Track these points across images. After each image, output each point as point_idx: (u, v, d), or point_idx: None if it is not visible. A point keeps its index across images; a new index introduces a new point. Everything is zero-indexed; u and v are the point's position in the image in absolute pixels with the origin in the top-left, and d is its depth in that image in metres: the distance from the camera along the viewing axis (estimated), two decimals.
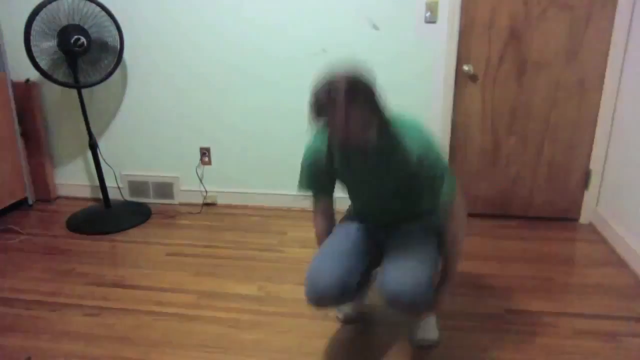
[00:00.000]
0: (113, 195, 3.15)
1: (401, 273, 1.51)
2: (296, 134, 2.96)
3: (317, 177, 1.70)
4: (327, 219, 1.78)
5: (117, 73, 2.92)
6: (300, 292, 2.16)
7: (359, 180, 1.67)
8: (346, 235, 1.71)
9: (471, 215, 2.93)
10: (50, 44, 2.58)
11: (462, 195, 1.65)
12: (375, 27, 2.69)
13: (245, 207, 3.13)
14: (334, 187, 1.75)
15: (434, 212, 1.75)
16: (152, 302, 2.10)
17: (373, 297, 2.04)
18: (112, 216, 2.90)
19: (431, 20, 2.64)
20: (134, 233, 2.76)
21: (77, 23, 2.60)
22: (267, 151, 3.02)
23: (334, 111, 1.31)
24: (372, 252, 1.72)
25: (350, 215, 1.85)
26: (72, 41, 2.56)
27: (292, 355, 1.77)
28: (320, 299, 1.56)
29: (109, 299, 2.12)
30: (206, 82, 2.92)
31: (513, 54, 2.65)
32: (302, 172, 1.71)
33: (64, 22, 2.57)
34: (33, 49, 2.53)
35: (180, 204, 3.18)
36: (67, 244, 2.63)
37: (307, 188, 1.74)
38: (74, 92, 2.93)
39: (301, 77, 2.84)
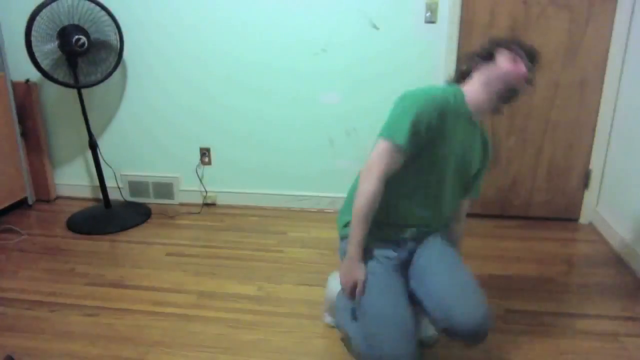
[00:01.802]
0: (113, 195, 3.15)
1: (466, 306, 1.36)
2: (296, 133, 2.96)
3: (419, 131, 1.42)
4: (384, 184, 1.46)
5: (117, 73, 2.92)
6: (299, 293, 2.16)
7: (449, 154, 1.50)
8: (391, 288, 1.49)
9: (471, 215, 2.93)
10: (51, 44, 2.58)
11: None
12: (375, 27, 2.69)
13: (245, 207, 3.13)
14: (415, 151, 1.48)
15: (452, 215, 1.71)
16: (152, 302, 2.10)
17: None
18: (112, 216, 2.90)
19: (431, 20, 2.64)
20: (134, 233, 2.76)
21: (77, 23, 2.60)
22: (267, 151, 3.02)
23: (524, 59, 1.47)
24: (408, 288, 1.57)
25: (376, 242, 1.59)
26: (73, 41, 2.56)
27: (291, 355, 1.77)
28: None
29: (108, 299, 2.12)
30: (206, 82, 2.92)
31: None
32: (405, 115, 1.40)
33: (64, 22, 2.57)
34: (34, 49, 2.53)
35: (180, 204, 3.18)
36: (67, 244, 2.63)
37: (402, 135, 1.41)
38: (74, 92, 2.93)
39: (301, 77, 2.84)
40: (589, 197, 2.82)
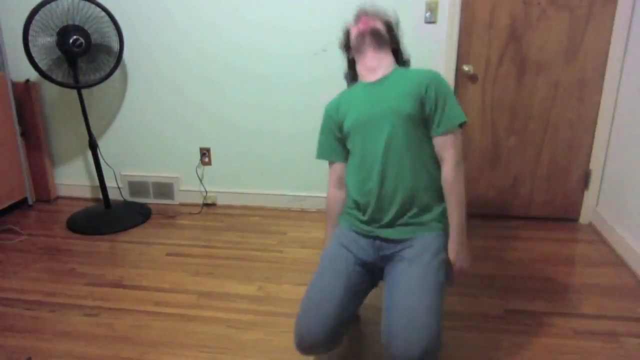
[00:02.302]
0: (113, 195, 3.15)
1: (409, 331, 1.35)
2: (296, 134, 2.96)
3: (330, 138, 1.73)
4: (338, 188, 1.77)
5: (117, 73, 2.93)
6: (299, 293, 2.16)
7: (371, 119, 1.58)
8: (338, 270, 1.55)
9: (471, 215, 2.93)
10: (50, 44, 2.58)
11: (461, 156, 1.60)
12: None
13: (245, 207, 3.13)
14: (346, 152, 1.73)
15: (441, 200, 1.62)
16: (152, 302, 2.10)
17: (373, 296, 2.04)
18: (112, 216, 2.90)
19: (431, 20, 2.64)
20: (134, 233, 2.76)
21: (77, 23, 2.60)
22: (267, 151, 3.02)
23: (357, 18, 1.71)
24: (365, 286, 1.60)
25: (345, 224, 1.69)
26: (70, 41, 2.56)
27: (291, 355, 1.77)
28: (307, 352, 1.48)
29: (108, 299, 2.12)
30: (206, 82, 2.92)
31: (513, 54, 2.65)
32: (319, 138, 1.78)
33: (64, 22, 2.57)
34: (32, 49, 2.53)
35: (180, 204, 3.18)
36: (67, 244, 2.63)
37: (321, 153, 1.78)
38: (74, 92, 2.93)
39: (301, 76, 2.84)
40: (589, 197, 2.82)
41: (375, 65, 1.65)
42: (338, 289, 1.50)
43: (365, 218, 1.63)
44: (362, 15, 1.71)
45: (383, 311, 1.46)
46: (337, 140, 1.73)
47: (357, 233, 1.64)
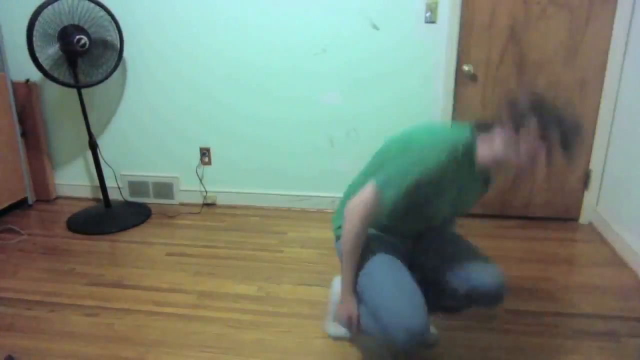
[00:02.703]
0: (113, 195, 3.15)
1: (482, 267, 1.48)
2: (296, 133, 2.96)
3: (413, 193, 1.42)
4: (367, 227, 1.50)
5: (117, 73, 2.92)
6: (299, 293, 2.16)
7: (443, 202, 1.52)
8: (397, 266, 1.52)
9: (471, 215, 2.93)
10: (52, 44, 2.58)
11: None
12: (375, 27, 2.69)
13: (245, 207, 3.13)
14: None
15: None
16: (152, 302, 2.10)
17: None
18: (112, 216, 2.90)
19: (431, 20, 2.64)
20: (134, 233, 2.76)
21: (77, 23, 2.60)
22: (267, 151, 3.02)
23: (566, 153, 1.33)
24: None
25: (374, 235, 1.64)
26: (74, 41, 2.56)
27: (291, 355, 1.77)
28: (417, 342, 1.39)
29: (108, 299, 2.12)
30: (206, 82, 2.92)
31: (513, 54, 2.65)
32: (404, 177, 1.39)
33: (65, 22, 2.57)
34: (35, 49, 2.53)
35: (180, 204, 3.18)
36: (67, 244, 2.63)
37: (393, 195, 1.41)
38: (74, 92, 2.93)
39: (301, 77, 2.84)
40: (589, 197, 2.82)
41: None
42: (411, 278, 1.50)
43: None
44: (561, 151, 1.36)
45: (437, 269, 1.56)
46: (415, 195, 1.50)
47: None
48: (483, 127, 1.46)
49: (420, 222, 1.61)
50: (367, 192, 1.43)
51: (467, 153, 1.43)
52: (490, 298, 1.48)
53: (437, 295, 1.60)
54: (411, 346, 1.39)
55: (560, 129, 1.31)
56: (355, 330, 1.58)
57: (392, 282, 1.47)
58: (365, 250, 1.53)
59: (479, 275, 1.47)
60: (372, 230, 1.65)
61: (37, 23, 2.50)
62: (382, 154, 1.56)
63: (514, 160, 1.36)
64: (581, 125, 1.34)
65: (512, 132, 1.35)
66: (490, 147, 1.42)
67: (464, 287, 1.49)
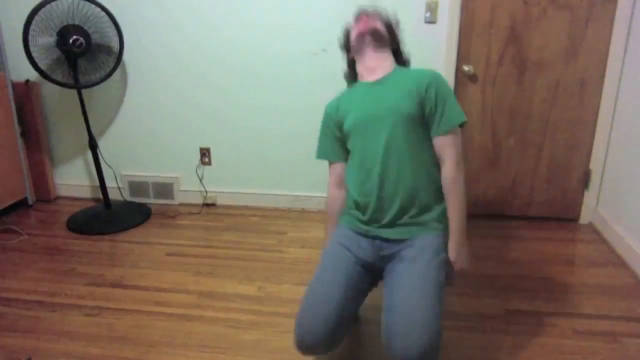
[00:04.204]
0: (113, 195, 3.15)
1: (409, 331, 1.34)
2: (296, 133, 2.96)
3: (330, 138, 1.74)
4: (338, 188, 1.78)
5: (117, 73, 2.92)
6: (299, 293, 2.16)
7: (371, 119, 1.58)
8: (338, 270, 1.54)
9: (471, 215, 2.93)
10: (50, 44, 2.58)
11: (461, 156, 1.61)
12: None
13: (245, 207, 3.13)
14: (346, 152, 1.73)
15: (441, 200, 1.62)
16: (152, 302, 2.10)
17: (373, 296, 2.04)
18: (112, 216, 2.90)
19: (431, 20, 2.64)
20: (134, 233, 2.76)
21: (77, 23, 2.60)
22: (267, 151, 3.02)
23: (357, 18, 1.71)
24: (365, 286, 1.60)
25: (345, 224, 1.69)
26: (70, 41, 2.56)
27: (291, 355, 1.77)
28: (308, 352, 1.48)
29: (108, 299, 2.12)
30: (206, 82, 2.92)
31: (513, 54, 2.65)
32: (319, 138, 1.79)
33: (64, 22, 2.57)
34: (32, 49, 2.53)
35: (180, 204, 3.18)
36: (67, 244, 2.63)
37: (321, 152, 1.78)
38: (74, 92, 2.93)
39: (301, 76, 2.84)
40: (589, 197, 2.82)
41: (375, 65, 1.65)
42: (338, 288, 1.50)
43: (365, 218, 1.62)
44: (362, 15, 1.71)
45: (383, 311, 1.46)
46: (337, 141, 1.73)
47: (357, 233, 1.64)
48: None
49: (367, 173, 1.59)
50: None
51: (352, 84, 1.75)
52: None
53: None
54: (303, 352, 1.47)
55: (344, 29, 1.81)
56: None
57: (318, 282, 1.53)
58: (331, 235, 1.71)
59: (397, 347, 1.35)
60: (346, 224, 1.69)
61: (34, 22, 2.49)
62: None
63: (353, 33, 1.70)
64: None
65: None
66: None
67: (385, 344, 1.40)
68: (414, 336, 1.34)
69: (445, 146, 1.58)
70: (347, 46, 1.79)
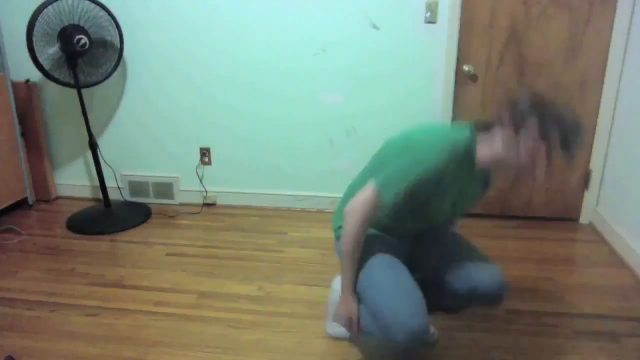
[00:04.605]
0: (113, 195, 3.15)
1: (482, 267, 1.50)
2: (296, 133, 2.96)
3: (413, 193, 1.42)
4: (366, 228, 1.49)
5: (117, 73, 2.92)
6: (299, 293, 2.16)
7: (447, 201, 1.53)
8: (397, 266, 1.52)
9: (471, 215, 2.93)
10: (52, 45, 2.58)
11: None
12: (375, 27, 2.69)
13: (245, 207, 3.13)
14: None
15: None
16: (152, 302, 2.10)
17: None
18: (112, 216, 2.90)
19: (431, 20, 2.64)
20: (134, 233, 2.76)
21: (77, 23, 2.60)
22: (267, 151, 3.02)
23: (566, 153, 1.31)
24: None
25: (373, 235, 1.64)
26: (74, 41, 2.56)
27: (291, 355, 1.77)
28: (419, 338, 1.40)
29: (109, 299, 2.12)
30: (206, 82, 2.92)
31: (513, 54, 2.65)
32: (404, 177, 1.39)
33: (65, 22, 2.57)
34: (35, 49, 2.53)
35: (180, 204, 3.18)
36: (67, 244, 2.63)
37: (392, 195, 1.40)
38: (74, 92, 2.93)
39: (301, 77, 2.84)
40: (589, 197, 2.82)
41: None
42: (410, 277, 1.50)
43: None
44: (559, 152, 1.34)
45: (437, 268, 1.56)
46: (416, 195, 1.52)
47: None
48: (483, 126, 1.45)
49: (420, 222, 1.61)
50: (367, 192, 1.43)
51: (467, 153, 1.43)
52: (490, 298, 1.49)
53: (437, 295, 1.60)
54: (411, 346, 1.40)
55: (560, 128, 1.30)
56: (355, 331, 1.58)
57: (392, 282, 1.47)
58: (365, 250, 1.53)
59: (478, 275, 1.48)
60: (372, 230, 1.64)
61: (37, 23, 2.50)
62: (381, 154, 1.55)
63: (514, 160, 1.35)
64: (581, 125, 1.32)
65: (512, 132, 1.34)
66: (490, 147, 1.41)
67: (464, 287, 1.50)
68: (490, 266, 1.50)
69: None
70: (515, 119, 1.36)
